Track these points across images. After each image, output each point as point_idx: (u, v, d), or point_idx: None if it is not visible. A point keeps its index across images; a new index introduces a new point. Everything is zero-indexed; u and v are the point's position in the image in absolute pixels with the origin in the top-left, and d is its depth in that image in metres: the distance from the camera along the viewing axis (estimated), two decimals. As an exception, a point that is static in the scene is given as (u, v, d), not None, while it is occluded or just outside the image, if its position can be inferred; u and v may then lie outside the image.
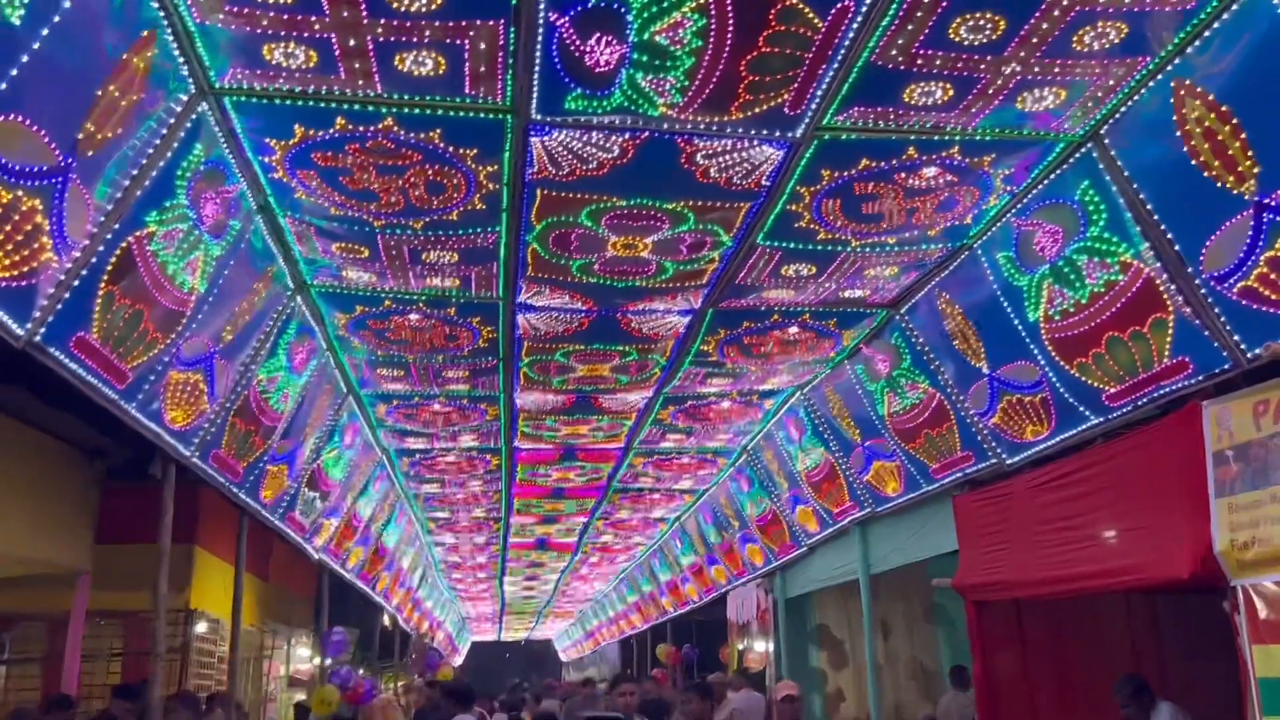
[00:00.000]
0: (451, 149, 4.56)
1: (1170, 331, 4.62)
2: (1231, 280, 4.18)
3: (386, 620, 17.10)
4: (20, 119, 3.30)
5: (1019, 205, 5.13)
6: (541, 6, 3.64)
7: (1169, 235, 4.40)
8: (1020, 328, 5.50)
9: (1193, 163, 4.05)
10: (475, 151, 4.59)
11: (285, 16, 3.70)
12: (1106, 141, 4.49)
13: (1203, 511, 4.52)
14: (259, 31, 3.79)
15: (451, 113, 4.31)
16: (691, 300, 6.40)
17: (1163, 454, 4.88)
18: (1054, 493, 5.82)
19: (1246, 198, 3.91)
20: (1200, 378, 4.61)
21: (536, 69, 3.96)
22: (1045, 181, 4.91)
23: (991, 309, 5.66)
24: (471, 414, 9.09)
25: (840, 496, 8.87)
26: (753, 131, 4.43)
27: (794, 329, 6.91)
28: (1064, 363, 5.33)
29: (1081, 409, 5.45)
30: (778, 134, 4.45)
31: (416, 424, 9.42)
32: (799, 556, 10.69)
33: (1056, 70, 4.04)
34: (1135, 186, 4.46)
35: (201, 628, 10.82)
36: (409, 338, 7.02)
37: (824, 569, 10.17)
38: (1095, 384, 5.22)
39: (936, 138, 4.52)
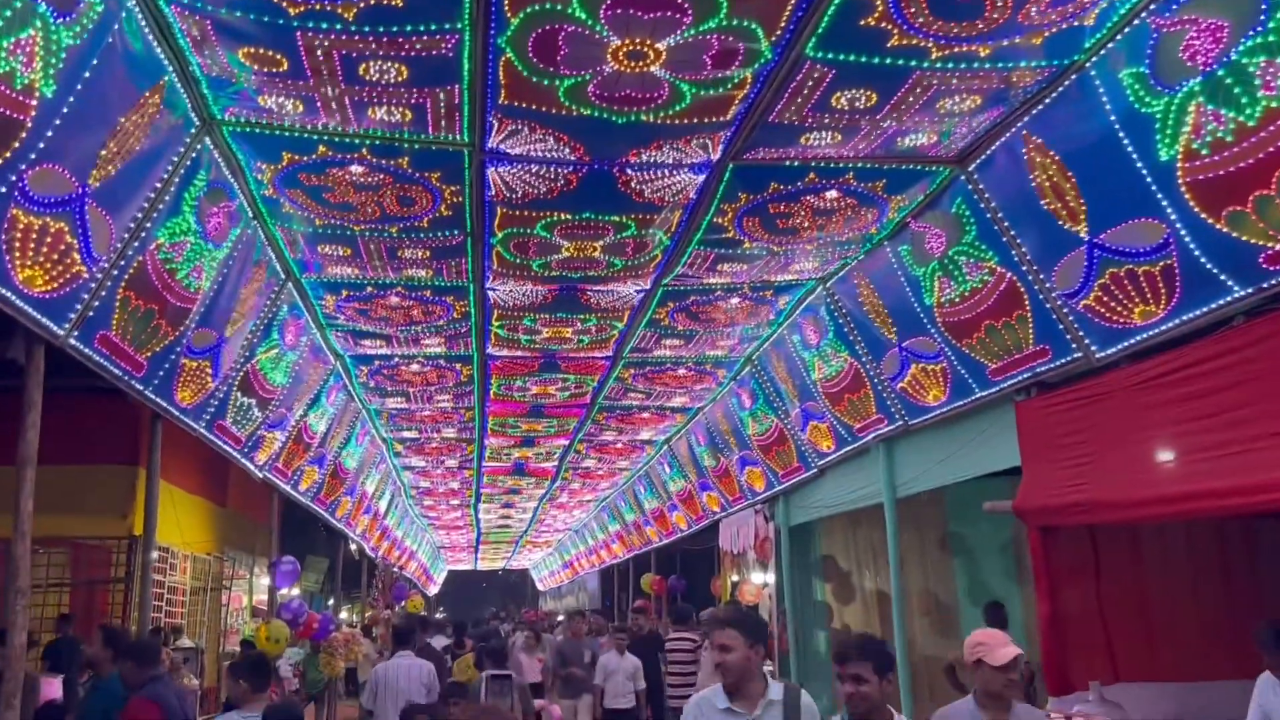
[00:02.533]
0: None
1: (1390, 156, 3.32)
2: None
3: (353, 549, 16.01)
4: None
5: (1162, -2, 3.78)
6: None
7: None
8: (1145, 172, 4.20)
9: None
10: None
11: None
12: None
13: None
14: None
15: None
16: (710, 148, 5.04)
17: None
18: (1171, 389, 4.59)
19: None
20: None
21: None
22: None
23: (1103, 151, 4.36)
24: (436, 309, 7.73)
25: (864, 409, 7.66)
26: None
27: (832, 193, 5.57)
28: (1206, 214, 4.06)
29: (1222, 277, 4.19)
30: None
31: (372, 322, 8.06)
32: (807, 480, 9.54)
33: None
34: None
35: (152, 556, 9.93)
36: (354, 200, 5.62)
37: (837, 493, 9.03)
38: (1252, 240, 3.94)
39: None
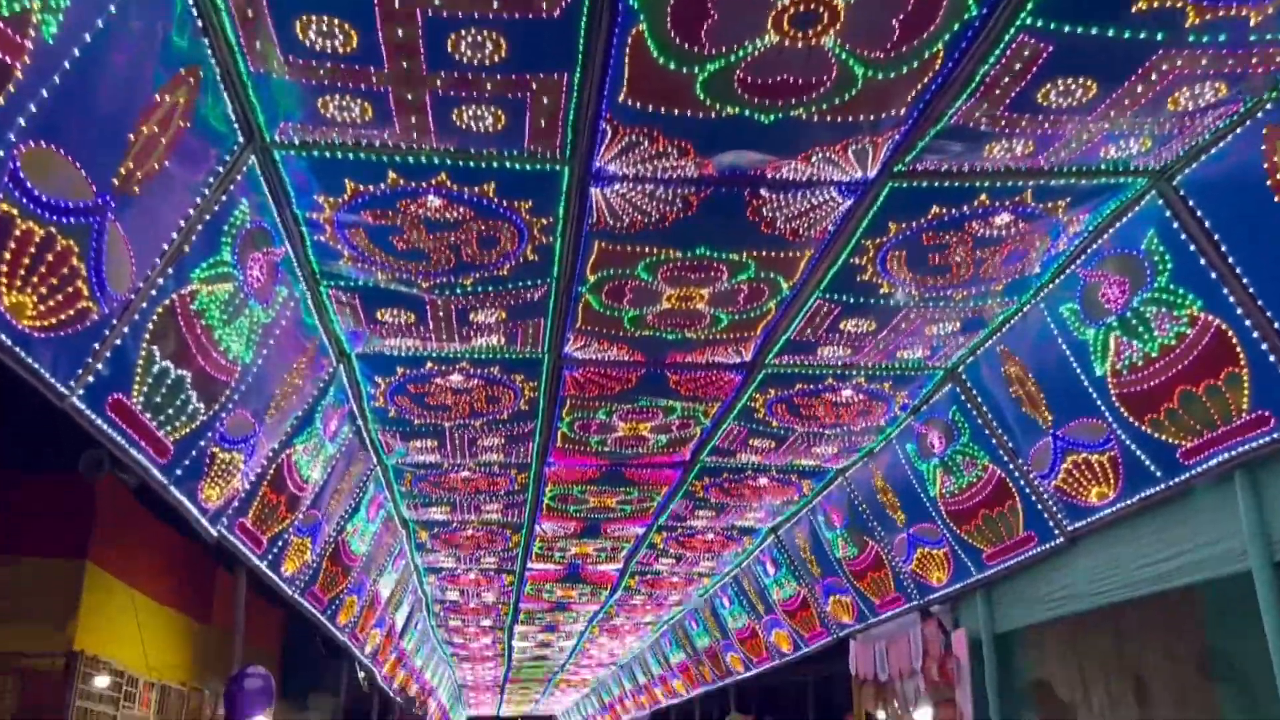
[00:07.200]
0: None
1: None
2: None
3: (361, 678, 15.53)
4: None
5: None
6: None
7: None
8: None
9: None
10: None
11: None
12: None
13: None
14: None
15: None
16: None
17: None
18: None
19: None
20: None
21: None
22: None
23: None
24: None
25: (1216, 410, 6.12)
26: None
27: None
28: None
29: None
30: None
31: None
32: (1038, 558, 8.51)
33: None
34: None
35: (102, 682, 9.57)
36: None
37: (1111, 572, 7.75)
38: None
39: None
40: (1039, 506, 8.22)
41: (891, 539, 10.66)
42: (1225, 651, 8.35)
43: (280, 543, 8.87)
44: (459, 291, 6.73)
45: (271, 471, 7.75)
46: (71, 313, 4.37)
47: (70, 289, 4.29)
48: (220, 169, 5.03)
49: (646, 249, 6.28)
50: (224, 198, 5.19)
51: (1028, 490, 8.24)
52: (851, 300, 7.05)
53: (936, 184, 5.70)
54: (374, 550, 12.06)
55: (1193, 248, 5.71)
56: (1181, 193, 5.66)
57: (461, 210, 5.79)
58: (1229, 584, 6.69)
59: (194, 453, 6.16)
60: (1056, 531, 8.17)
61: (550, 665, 27.49)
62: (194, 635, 11.34)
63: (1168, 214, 5.77)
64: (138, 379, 5.21)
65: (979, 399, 8.35)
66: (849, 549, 11.71)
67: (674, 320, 7.34)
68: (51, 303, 4.23)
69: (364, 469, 10.21)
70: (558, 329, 7.46)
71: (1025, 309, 7.22)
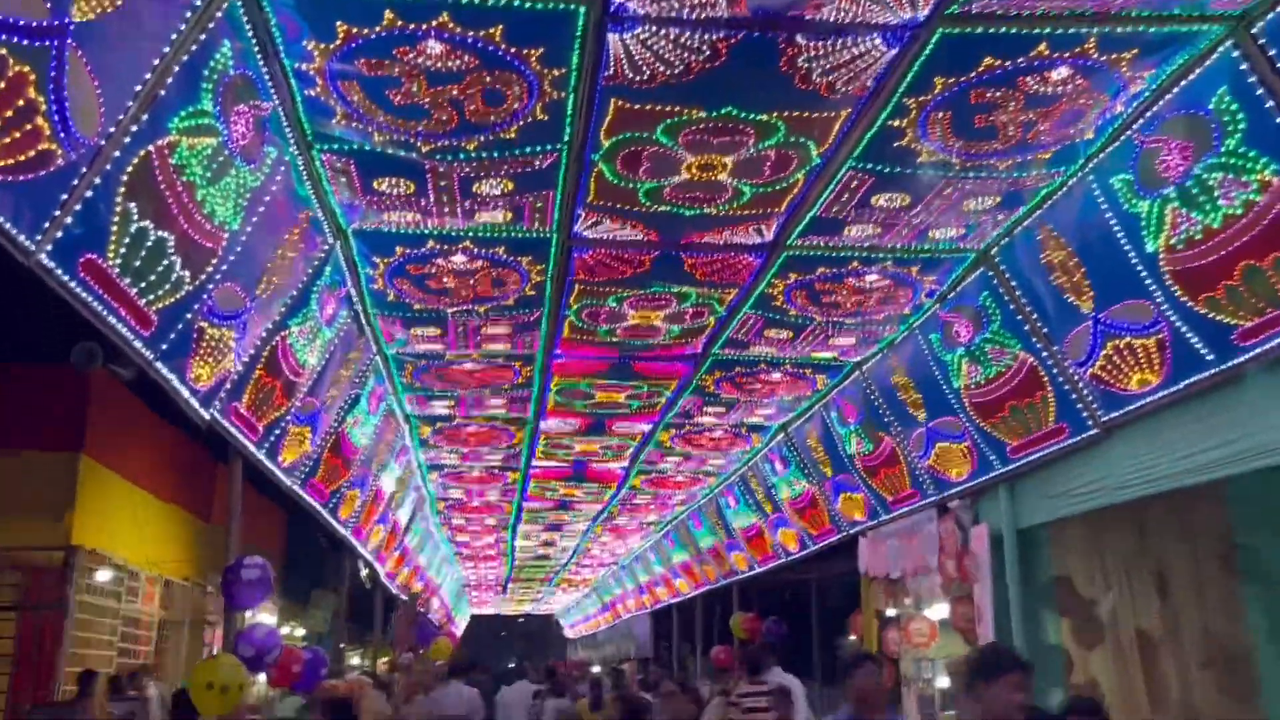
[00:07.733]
0: None
1: None
2: None
3: (364, 576, 15.43)
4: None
5: None
6: None
7: None
8: None
9: None
10: None
11: None
12: None
13: None
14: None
15: None
16: None
17: None
18: None
19: None
20: None
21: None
22: None
23: None
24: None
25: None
26: None
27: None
28: None
29: None
30: None
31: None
32: (1071, 450, 8.08)
33: None
34: None
35: (105, 576, 9.48)
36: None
37: (1150, 465, 7.35)
38: None
39: None
40: (1073, 396, 7.73)
41: (909, 434, 10.23)
42: (1252, 549, 7.99)
43: (277, 430, 8.46)
44: (462, 156, 6.17)
45: (266, 353, 7.27)
46: (32, 154, 3.88)
47: (29, 125, 3.79)
48: (198, 1, 4.43)
49: (668, 108, 5.70)
50: (203, 36, 4.57)
51: (1061, 379, 7.76)
52: (886, 170, 6.48)
53: (992, 30, 5.13)
54: (376, 444, 11.77)
55: (1270, 103, 5.17)
56: (1262, 41, 5.12)
57: (465, 59, 5.18)
58: (1257, 478, 6.39)
59: (180, 326, 5.65)
60: (1090, 422, 7.71)
61: (552, 564, 27.70)
62: (196, 533, 11.27)
63: (1244, 66, 5.22)
64: (113, 239, 4.69)
65: (1012, 283, 7.82)
66: (863, 445, 11.32)
67: (693, 194, 6.78)
68: (8, 140, 3.74)
69: (364, 358, 9.80)
70: (568, 204, 6.90)
71: (1071, 182, 6.65)
